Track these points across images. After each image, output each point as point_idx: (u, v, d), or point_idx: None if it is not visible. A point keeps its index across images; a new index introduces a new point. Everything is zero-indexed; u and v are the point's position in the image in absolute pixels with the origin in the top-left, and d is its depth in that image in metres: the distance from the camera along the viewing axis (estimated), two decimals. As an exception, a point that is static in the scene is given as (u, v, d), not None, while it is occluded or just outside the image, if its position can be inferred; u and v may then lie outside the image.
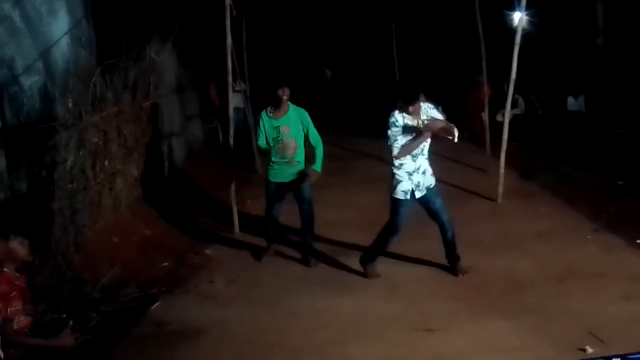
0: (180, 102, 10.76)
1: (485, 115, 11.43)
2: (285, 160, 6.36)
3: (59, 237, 5.58)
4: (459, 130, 5.57)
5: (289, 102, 6.37)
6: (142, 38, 7.57)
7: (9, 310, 3.60)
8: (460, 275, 5.95)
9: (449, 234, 5.96)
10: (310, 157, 6.42)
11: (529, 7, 8.24)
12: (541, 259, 6.29)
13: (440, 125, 5.58)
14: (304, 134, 6.37)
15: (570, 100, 13.05)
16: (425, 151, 5.76)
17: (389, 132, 5.66)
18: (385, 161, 6.01)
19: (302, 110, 6.40)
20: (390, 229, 5.89)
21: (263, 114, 6.46)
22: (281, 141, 6.33)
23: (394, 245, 6.14)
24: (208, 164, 10.65)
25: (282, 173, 6.43)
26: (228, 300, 5.77)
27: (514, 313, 5.11)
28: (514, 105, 11.96)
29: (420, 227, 6.35)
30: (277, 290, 5.92)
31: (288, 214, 6.78)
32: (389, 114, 5.71)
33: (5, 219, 4.86)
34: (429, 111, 5.72)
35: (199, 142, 12.04)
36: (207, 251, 7.01)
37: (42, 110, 6.10)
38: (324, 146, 6.43)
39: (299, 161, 6.40)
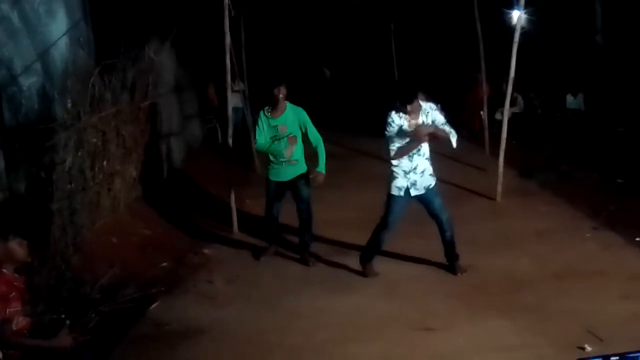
0: (179, 102, 10.75)
1: (484, 114, 11.41)
2: (284, 159, 6.37)
3: (57, 237, 5.58)
4: (457, 130, 5.55)
5: (286, 102, 6.37)
6: (140, 38, 7.57)
7: (7, 311, 3.59)
8: (459, 274, 5.95)
9: (448, 233, 5.96)
10: (310, 156, 6.42)
11: (527, 6, 8.25)
12: (540, 257, 6.29)
13: (428, 131, 5.56)
14: (303, 133, 6.37)
15: (569, 98, 13.04)
16: (424, 151, 5.73)
17: (386, 132, 5.66)
18: (384, 160, 6.01)
19: (299, 109, 6.41)
20: (383, 224, 5.90)
21: (261, 113, 6.46)
22: (279, 140, 6.34)
23: (393, 244, 6.14)
24: (207, 164, 10.63)
25: (281, 172, 6.43)
26: (227, 300, 5.77)
27: (514, 312, 5.11)
28: (513, 103, 11.94)
29: (419, 226, 6.36)
30: (276, 290, 5.92)
31: (286, 213, 6.78)
32: (387, 113, 5.70)
33: (4, 219, 4.83)
34: (431, 111, 5.71)
35: (198, 142, 12.03)
36: (206, 251, 7.01)
37: (41, 111, 6.09)
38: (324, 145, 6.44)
39: (297, 160, 6.40)
